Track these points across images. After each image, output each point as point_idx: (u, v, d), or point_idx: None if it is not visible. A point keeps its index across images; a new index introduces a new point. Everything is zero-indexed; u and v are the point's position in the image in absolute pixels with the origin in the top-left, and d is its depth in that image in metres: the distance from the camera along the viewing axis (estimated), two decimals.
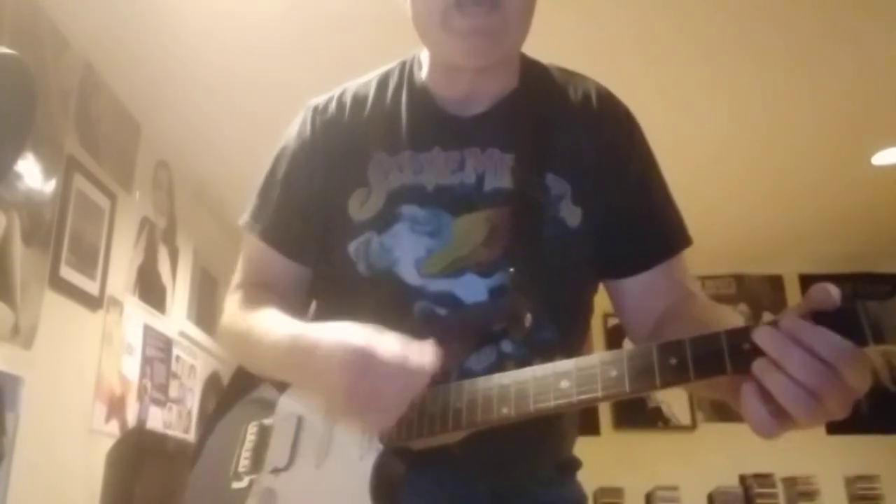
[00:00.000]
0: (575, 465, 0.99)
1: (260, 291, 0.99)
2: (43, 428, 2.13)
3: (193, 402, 3.43)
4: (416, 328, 0.80)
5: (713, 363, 0.63)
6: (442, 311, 0.87)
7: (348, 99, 1.02)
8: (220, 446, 0.98)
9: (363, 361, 0.74)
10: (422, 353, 0.75)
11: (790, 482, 4.17)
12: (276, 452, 0.89)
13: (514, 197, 0.89)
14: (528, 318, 0.82)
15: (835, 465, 4.26)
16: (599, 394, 0.66)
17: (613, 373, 0.66)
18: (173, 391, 3.16)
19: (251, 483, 0.89)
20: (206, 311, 3.95)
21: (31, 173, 2.13)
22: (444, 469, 0.84)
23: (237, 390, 1.02)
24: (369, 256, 0.91)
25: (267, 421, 0.93)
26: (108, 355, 2.55)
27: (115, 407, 2.59)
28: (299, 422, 0.89)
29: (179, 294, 3.31)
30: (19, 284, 2.04)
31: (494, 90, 0.96)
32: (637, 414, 4.46)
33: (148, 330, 2.91)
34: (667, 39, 2.54)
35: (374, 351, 0.74)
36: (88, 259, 2.45)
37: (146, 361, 2.88)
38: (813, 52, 2.58)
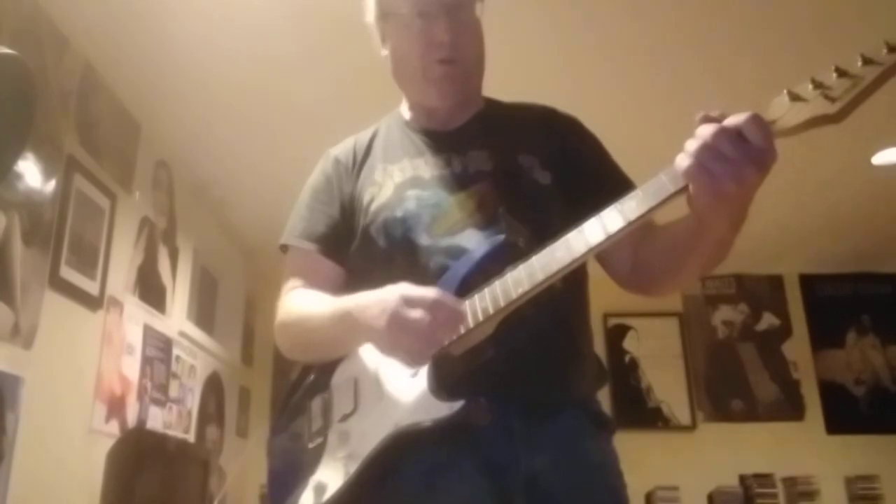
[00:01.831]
0: (609, 423, 1.12)
1: (307, 291, 1.17)
2: (43, 428, 2.13)
3: (193, 402, 3.43)
4: (434, 282, 0.99)
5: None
6: (453, 263, 1.04)
7: (352, 143, 1.28)
8: (290, 432, 1.12)
9: (399, 305, 0.93)
10: (451, 303, 0.94)
11: (790, 482, 4.17)
12: (342, 404, 1.06)
13: (495, 172, 1.13)
14: (521, 241, 1.01)
15: (835, 465, 4.27)
16: (594, 244, 0.89)
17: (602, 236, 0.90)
18: (173, 391, 3.16)
19: (326, 436, 1.05)
20: (206, 311, 3.96)
21: (31, 173, 2.13)
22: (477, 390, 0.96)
23: (295, 392, 1.18)
24: (386, 231, 1.11)
25: (326, 394, 1.10)
26: (108, 355, 2.55)
27: (115, 407, 2.59)
28: (355, 380, 1.06)
29: (179, 294, 3.31)
30: (19, 284, 2.04)
31: (466, 114, 1.23)
32: (637, 414, 4.46)
33: (148, 330, 2.91)
34: (663, 38, 2.55)
35: (408, 295, 0.94)
36: (88, 259, 2.45)
37: (146, 361, 2.88)
38: (813, 52, 2.59)
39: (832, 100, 0.77)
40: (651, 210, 0.87)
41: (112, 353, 2.59)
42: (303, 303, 1.15)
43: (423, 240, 1.08)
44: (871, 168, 3.48)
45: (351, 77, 2.62)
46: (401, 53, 1.19)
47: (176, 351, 3.21)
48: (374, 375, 1.04)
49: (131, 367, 2.75)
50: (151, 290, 2.98)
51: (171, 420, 3.13)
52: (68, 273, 2.30)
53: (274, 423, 1.18)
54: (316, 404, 1.10)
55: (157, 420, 2.97)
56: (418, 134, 1.23)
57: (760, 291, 4.79)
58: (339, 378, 1.09)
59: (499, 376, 0.97)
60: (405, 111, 1.29)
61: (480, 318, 0.94)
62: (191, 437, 3.35)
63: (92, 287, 2.46)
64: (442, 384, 0.96)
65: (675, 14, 2.41)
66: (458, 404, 0.92)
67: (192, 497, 2.94)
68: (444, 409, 0.93)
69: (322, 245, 1.19)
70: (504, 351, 0.97)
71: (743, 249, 4.72)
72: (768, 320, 4.73)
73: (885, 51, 0.75)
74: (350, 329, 1.02)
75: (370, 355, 1.05)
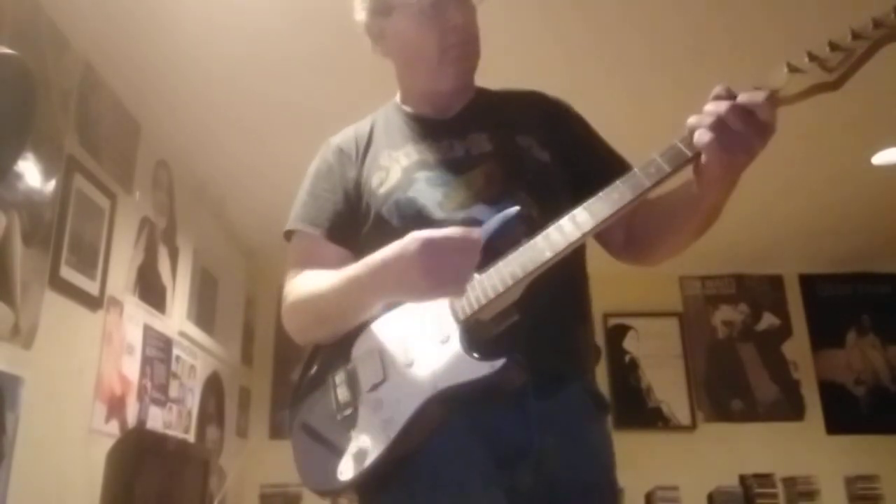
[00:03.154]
0: (607, 405, 1.18)
1: (317, 270, 1.18)
2: (43, 428, 2.13)
3: (193, 402, 3.43)
4: None
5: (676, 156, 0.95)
6: None
7: (353, 131, 1.30)
8: (314, 407, 1.13)
9: (431, 245, 0.96)
10: (468, 231, 0.99)
11: (790, 482, 4.17)
12: (369, 375, 1.06)
13: (497, 153, 1.18)
14: (535, 212, 1.06)
15: (835, 465, 4.27)
16: (623, 203, 0.95)
17: (613, 203, 0.96)
18: (173, 391, 3.16)
19: (356, 406, 1.06)
20: (206, 311, 3.95)
21: (31, 173, 2.13)
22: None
23: (309, 370, 1.19)
24: (399, 210, 1.14)
25: (349, 366, 1.10)
26: (108, 355, 2.55)
27: (115, 407, 2.59)
28: (380, 352, 1.07)
29: (179, 294, 3.31)
30: (19, 284, 2.04)
31: (462, 102, 1.27)
32: (637, 414, 4.46)
33: (148, 330, 2.91)
34: (664, 38, 2.55)
35: (436, 236, 0.97)
36: (88, 259, 2.45)
37: (146, 361, 2.88)
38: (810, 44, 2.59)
39: (829, 70, 0.88)
40: (670, 174, 0.94)
41: (112, 353, 2.59)
42: (315, 279, 1.16)
43: (438, 214, 1.11)
44: (871, 168, 3.48)
45: (350, 77, 2.61)
46: (412, 42, 1.22)
47: (176, 351, 3.21)
48: (399, 346, 1.06)
49: (131, 367, 2.75)
50: (151, 290, 2.98)
51: (171, 420, 3.13)
52: (68, 273, 2.30)
53: (291, 401, 1.18)
54: (339, 377, 1.10)
55: (157, 420, 2.97)
56: (418, 123, 1.26)
57: (760, 291, 4.79)
58: (359, 351, 1.10)
59: (524, 339, 1.00)
60: (402, 102, 1.32)
61: (510, 282, 0.98)
62: (191, 437, 3.35)
63: (92, 287, 2.46)
64: (476, 348, 0.99)
65: (671, 3, 2.41)
66: (499, 362, 0.96)
67: (192, 497, 2.94)
68: (486, 367, 0.96)
69: (327, 230, 1.21)
70: (528, 315, 1.00)
71: (743, 249, 4.73)
72: (768, 320, 4.73)
73: (871, 26, 0.87)
74: (374, 286, 1.03)
75: (390, 328, 1.08)
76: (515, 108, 1.28)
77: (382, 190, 1.17)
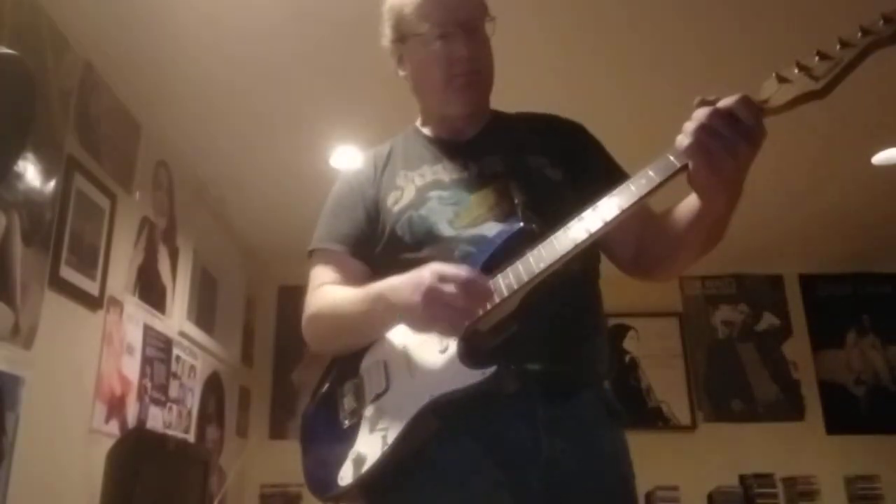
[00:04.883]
0: (622, 414, 1.18)
1: (336, 286, 1.24)
2: (43, 428, 2.13)
3: (193, 402, 3.43)
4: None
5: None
6: (476, 250, 1.11)
7: (371, 154, 1.36)
8: (323, 416, 1.18)
9: (434, 281, 0.99)
10: (481, 279, 1.01)
11: (790, 482, 4.17)
12: (373, 385, 1.12)
13: (508, 172, 1.21)
14: (537, 228, 1.06)
15: (835, 465, 4.27)
16: (609, 218, 0.97)
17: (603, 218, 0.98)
18: (173, 391, 3.16)
19: (361, 415, 1.11)
20: (206, 311, 3.96)
21: (31, 173, 2.13)
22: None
23: (324, 382, 1.23)
24: (412, 227, 1.19)
25: (356, 379, 1.15)
26: (108, 355, 2.55)
27: (115, 407, 2.59)
28: (385, 363, 1.12)
29: (179, 294, 3.31)
30: (19, 284, 2.04)
31: (476, 126, 1.32)
32: (637, 414, 4.46)
33: (148, 330, 2.91)
34: (670, 40, 2.55)
35: (447, 271, 1.00)
36: (88, 259, 2.45)
37: (146, 361, 2.88)
38: (813, 51, 2.58)
39: (816, 78, 0.89)
40: (659, 185, 0.95)
41: (112, 353, 2.59)
42: (334, 294, 1.21)
43: (447, 231, 1.15)
44: (871, 168, 3.48)
45: (351, 78, 2.62)
46: (423, 69, 1.28)
47: (176, 351, 3.21)
48: (402, 355, 1.10)
49: (131, 368, 2.75)
50: (151, 290, 2.98)
51: (171, 420, 3.13)
52: (68, 273, 2.30)
53: (305, 411, 1.23)
54: (347, 389, 1.15)
55: (157, 420, 2.97)
56: (435, 145, 1.31)
57: (760, 291, 4.79)
58: (367, 363, 1.15)
59: (523, 349, 1.03)
60: (421, 126, 1.38)
61: (506, 293, 1.00)
62: (191, 437, 3.35)
63: (92, 287, 2.46)
64: (472, 356, 1.02)
65: (674, 16, 2.41)
66: (490, 370, 0.99)
67: (192, 497, 2.94)
68: (478, 375, 0.99)
69: (349, 246, 1.26)
70: (528, 326, 1.03)
71: (743, 249, 4.74)
72: (768, 320, 4.72)
73: (859, 34, 0.88)
74: (385, 308, 1.07)
75: (396, 339, 1.12)
76: (529, 130, 1.32)
77: (396, 208, 1.22)
